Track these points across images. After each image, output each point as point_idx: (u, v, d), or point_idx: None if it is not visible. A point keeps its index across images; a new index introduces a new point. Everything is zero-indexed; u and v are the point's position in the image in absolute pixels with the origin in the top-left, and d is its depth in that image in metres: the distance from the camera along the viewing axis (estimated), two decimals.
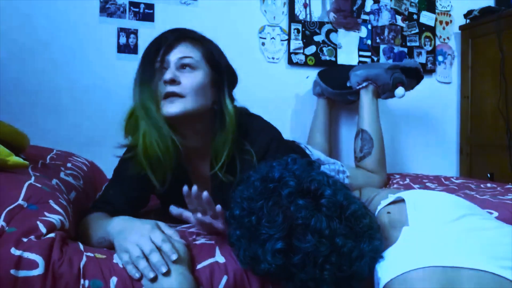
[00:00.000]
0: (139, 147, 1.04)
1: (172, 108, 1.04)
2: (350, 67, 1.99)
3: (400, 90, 1.82)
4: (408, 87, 1.87)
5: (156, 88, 1.05)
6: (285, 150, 1.11)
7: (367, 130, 1.80)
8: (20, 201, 0.85)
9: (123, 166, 1.12)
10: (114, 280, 0.78)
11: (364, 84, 1.84)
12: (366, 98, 1.84)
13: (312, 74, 2.07)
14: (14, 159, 0.97)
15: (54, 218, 0.85)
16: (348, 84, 1.88)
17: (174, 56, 1.06)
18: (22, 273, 0.73)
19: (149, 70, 1.07)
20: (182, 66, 1.06)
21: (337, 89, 1.92)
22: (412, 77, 1.87)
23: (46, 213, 0.85)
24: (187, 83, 1.05)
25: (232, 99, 1.14)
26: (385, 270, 0.79)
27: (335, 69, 2.03)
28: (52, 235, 0.80)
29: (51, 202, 0.90)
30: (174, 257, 0.78)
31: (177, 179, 1.09)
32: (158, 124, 1.03)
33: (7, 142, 1.04)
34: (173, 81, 1.04)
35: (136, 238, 0.81)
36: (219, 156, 1.08)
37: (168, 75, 1.04)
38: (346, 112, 2.13)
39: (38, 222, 0.81)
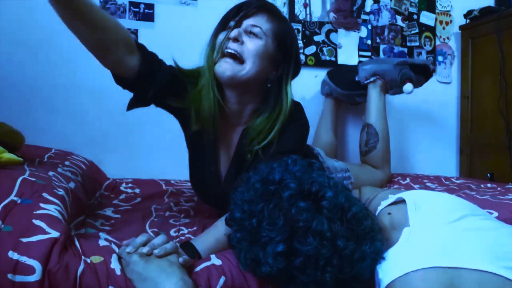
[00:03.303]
0: (194, 93, 1.12)
1: (225, 69, 1.09)
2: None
3: (408, 86, 1.81)
4: (417, 83, 1.87)
5: (221, 44, 1.11)
6: (298, 134, 1.17)
7: (373, 124, 1.80)
8: (13, 197, 0.85)
9: (177, 71, 1.15)
10: None
11: (372, 79, 1.84)
12: (373, 93, 1.84)
13: (313, 74, 2.07)
14: (7, 155, 0.97)
15: (50, 208, 0.84)
16: (356, 79, 1.88)
17: (248, 22, 1.12)
18: (19, 278, 0.73)
19: (220, 27, 1.15)
20: (249, 32, 1.11)
21: (346, 90, 1.92)
22: (421, 74, 1.87)
23: (41, 205, 0.85)
24: (249, 46, 1.09)
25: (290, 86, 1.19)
26: (387, 271, 0.79)
27: (344, 69, 2.02)
28: (50, 236, 0.79)
29: (45, 194, 0.89)
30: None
31: (203, 139, 1.16)
32: (212, 83, 1.11)
33: (1, 140, 1.04)
34: (236, 40, 1.09)
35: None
36: (263, 134, 1.12)
37: (233, 33, 1.09)
38: (353, 112, 2.13)
39: (33, 220, 0.81)
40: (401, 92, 1.86)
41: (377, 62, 1.88)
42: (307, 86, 2.07)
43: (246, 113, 1.18)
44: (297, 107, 1.20)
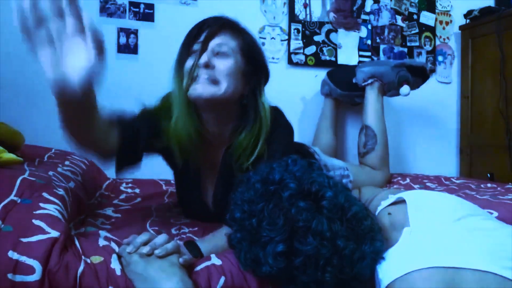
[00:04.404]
0: (171, 129, 1.08)
1: (202, 90, 1.05)
2: None
3: (405, 89, 1.82)
4: (414, 85, 1.88)
5: (189, 71, 1.07)
6: (286, 138, 1.16)
7: (371, 126, 1.81)
8: (13, 197, 0.85)
9: (147, 114, 1.12)
10: None
11: (369, 81, 1.85)
12: (371, 95, 1.85)
13: (313, 74, 2.07)
14: (7, 155, 0.97)
15: (50, 208, 0.84)
16: (354, 81, 1.89)
17: (214, 42, 1.08)
18: (19, 277, 0.73)
19: (185, 53, 1.10)
20: (217, 53, 1.08)
21: (345, 90, 1.92)
22: (418, 76, 1.88)
23: (41, 205, 0.85)
24: (220, 67, 1.06)
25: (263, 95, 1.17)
26: (387, 271, 0.79)
27: (344, 69, 2.02)
28: (50, 235, 0.79)
29: (45, 194, 0.90)
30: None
31: (188, 167, 1.14)
32: (187, 111, 1.07)
33: (1, 140, 1.04)
34: (207, 66, 1.05)
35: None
36: (249, 148, 1.10)
37: (203, 59, 1.05)
38: (353, 112, 2.13)
39: (33, 220, 0.81)
40: (398, 94, 1.87)
41: (375, 64, 1.89)
42: (307, 86, 2.07)
43: (226, 133, 1.15)
44: (276, 112, 1.19)
